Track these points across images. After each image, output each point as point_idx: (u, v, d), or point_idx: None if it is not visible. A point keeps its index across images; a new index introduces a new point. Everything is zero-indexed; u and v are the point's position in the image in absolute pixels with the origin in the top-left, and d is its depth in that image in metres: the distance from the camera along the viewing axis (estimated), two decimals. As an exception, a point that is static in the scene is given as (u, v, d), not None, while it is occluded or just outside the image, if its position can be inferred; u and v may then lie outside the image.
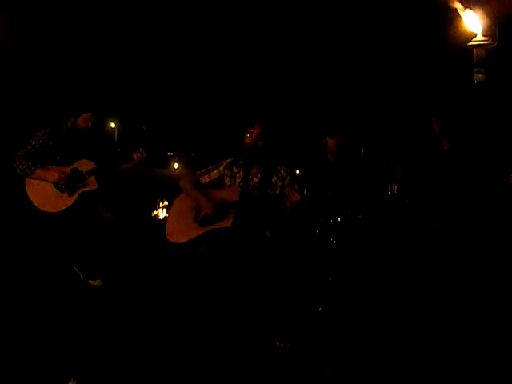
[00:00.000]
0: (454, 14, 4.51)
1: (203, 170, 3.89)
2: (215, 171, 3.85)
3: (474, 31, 4.53)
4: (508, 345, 3.28)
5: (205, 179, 3.85)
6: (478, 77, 4.51)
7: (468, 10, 4.41)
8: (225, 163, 3.85)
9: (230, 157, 3.87)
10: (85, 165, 4.34)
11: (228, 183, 3.78)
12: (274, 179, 3.71)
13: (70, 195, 4.26)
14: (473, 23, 4.52)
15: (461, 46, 4.60)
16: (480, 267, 4.02)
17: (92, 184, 4.31)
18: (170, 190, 4.28)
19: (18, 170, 4.25)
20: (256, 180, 3.71)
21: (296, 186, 3.57)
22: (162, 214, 8.27)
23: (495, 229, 4.19)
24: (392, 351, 3.28)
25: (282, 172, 3.75)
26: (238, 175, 3.76)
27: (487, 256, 4.08)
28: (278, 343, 3.37)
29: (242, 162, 3.79)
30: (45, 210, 4.24)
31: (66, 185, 4.25)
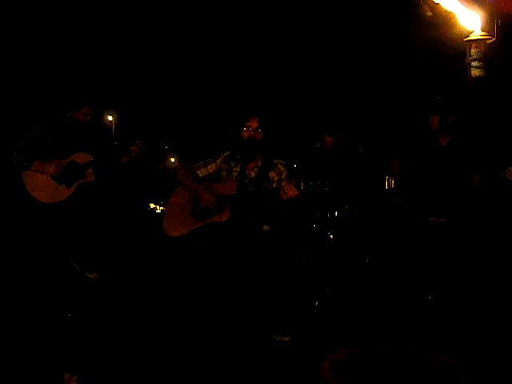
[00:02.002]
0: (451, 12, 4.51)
1: (200, 164, 3.88)
2: (212, 165, 3.84)
3: (472, 27, 4.52)
4: (508, 344, 3.29)
5: (202, 172, 3.84)
6: (476, 72, 4.51)
7: (466, 6, 4.41)
8: (222, 157, 3.84)
9: (228, 150, 3.87)
10: (82, 157, 4.34)
11: (225, 177, 3.78)
12: (272, 174, 3.71)
13: (68, 187, 4.27)
14: (471, 18, 4.52)
15: (458, 41, 4.60)
16: (478, 263, 4.03)
17: (90, 176, 4.31)
18: (167, 183, 4.28)
19: (15, 161, 4.26)
20: (253, 174, 3.71)
21: (293, 180, 3.58)
22: (159, 207, 8.27)
23: (493, 224, 4.20)
24: (389, 346, 3.29)
25: (280, 166, 3.75)
26: (235, 169, 3.76)
27: (485, 252, 4.09)
28: (274, 337, 3.39)
29: (239, 156, 3.79)
30: (43, 201, 4.25)
31: (63, 177, 4.26)
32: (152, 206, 8.44)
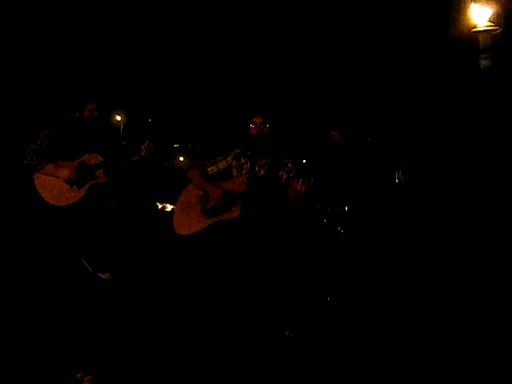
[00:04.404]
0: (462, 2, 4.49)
1: (211, 161, 3.89)
2: (223, 162, 3.85)
3: (480, 18, 4.49)
4: (508, 339, 3.28)
5: (212, 170, 3.85)
6: (484, 63, 4.48)
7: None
8: (232, 154, 3.85)
9: (239, 148, 3.87)
10: (92, 158, 4.35)
11: (235, 174, 3.79)
12: (281, 172, 3.72)
13: (80, 188, 4.28)
14: (479, 10, 4.49)
15: (466, 32, 4.57)
16: (487, 257, 4.01)
17: (101, 177, 4.32)
18: (177, 181, 4.29)
19: (28, 165, 4.28)
20: (263, 172, 3.72)
21: (305, 180, 3.56)
22: (169, 206, 8.29)
23: (503, 217, 4.17)
24: (397, 342, 3.29)
25: (289, 165, 3.75)
26: (245, 166, 3.76)
27: (494, 245, 4.07)
28: (286, 333, 3.39)
29: (249, 153, 3.79)
30: (54, 203, 4.27)
31: (75, 179, 4.27)
32: (162, 204, 8.45)
